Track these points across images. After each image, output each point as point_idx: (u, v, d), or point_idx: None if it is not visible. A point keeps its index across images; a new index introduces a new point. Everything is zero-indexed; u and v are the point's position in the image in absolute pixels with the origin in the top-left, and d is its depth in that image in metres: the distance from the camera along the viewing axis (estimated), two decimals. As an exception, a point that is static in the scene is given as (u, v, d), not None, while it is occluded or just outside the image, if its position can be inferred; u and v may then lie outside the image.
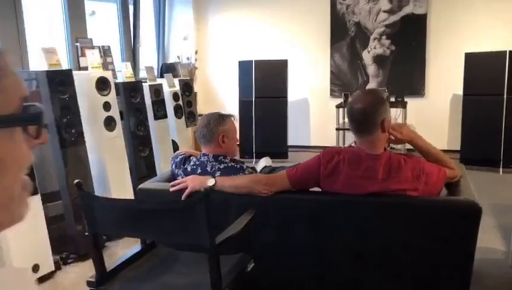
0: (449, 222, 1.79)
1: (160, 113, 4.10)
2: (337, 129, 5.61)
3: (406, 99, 5.66)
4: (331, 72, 6.23)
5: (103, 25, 5.83)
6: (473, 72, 4.97)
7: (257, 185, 1.99)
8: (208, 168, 2.19)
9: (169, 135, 4.24)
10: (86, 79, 3.25)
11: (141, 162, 3.81)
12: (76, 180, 1.61)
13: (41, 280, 2.79)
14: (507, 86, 4.80)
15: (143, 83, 3.93)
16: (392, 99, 5.50)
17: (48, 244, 2.79)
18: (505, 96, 4.82)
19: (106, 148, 3.36)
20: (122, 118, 3.81)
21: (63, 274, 2.91)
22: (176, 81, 4.59)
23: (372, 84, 6.03)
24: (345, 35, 6.08)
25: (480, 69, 4.95)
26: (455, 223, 1.78)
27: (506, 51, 4.78)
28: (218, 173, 2.16)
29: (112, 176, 3.40)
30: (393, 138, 2.00)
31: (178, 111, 4.44)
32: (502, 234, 3.23)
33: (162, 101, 4.14)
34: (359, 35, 6.02)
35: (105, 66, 4.76)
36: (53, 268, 2.84)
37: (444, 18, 5.67)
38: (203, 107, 6.74)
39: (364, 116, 1.89)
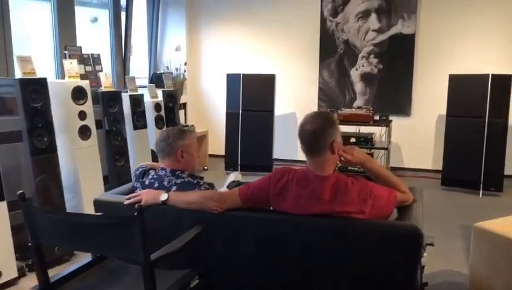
0: (390, 246, 1.81)
1: (139, 123, 4.13)
2: (321, 145, 5.63)
3: (391, 118, 5.69)
4: (319, 88, 6.27)
5: (106, 31, 5.88)
6: (457, 94, 5.01)
7: (208, 201, 2.01)
8: (165, 183, 2.21)
9: (148, 145, 4.27)
10: (62, 88, 3.29)
11: (117, 172, 3.83)
12: (20, 191, 1.63)
13: (5, 286, 2.80)
14: (489, 109, 4.82)
15: (123, 93, 3.97)
16: (377, 117, 5.53)
17: (11, 250, 2.81)
18: (487, 119, 4.84)
19: (80, 157, 3.39)
20: (101, 127, 3.86)
21: (27, 281, 2.92)
22: (160, 92, 4.62)
23: (358, 102, 6.07)
24: (334, 52, 6.13)
25: (464, 91, 4.98)
26: (396, 248, 1.80)
27: (488, 75, 4.82)
28: (174, 188, 2.19)
29: (85, 185, 3.42)
30: (344, 159, 2.01)
31: (159, 122, 4.47)
32: (468, 258, 3.22)
33: (143, 112, 4.18)
34: (348, 53, 6.07)
35: (94, 74, 4.82)
36: (17, 274, 2.85)
37: (431, 39, 5.73)
38: (192, 118, 6.80)
39: (313, 137, 1.91)
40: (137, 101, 4.09)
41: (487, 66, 5.26)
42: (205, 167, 6.11)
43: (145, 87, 4.64)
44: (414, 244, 1.78)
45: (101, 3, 5.89)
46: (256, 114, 5.75)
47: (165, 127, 4.56)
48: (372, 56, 5.97)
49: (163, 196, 2.07)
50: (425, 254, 2.60)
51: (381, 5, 5.82)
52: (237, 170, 5.77)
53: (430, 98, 5.77)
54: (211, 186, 2.25)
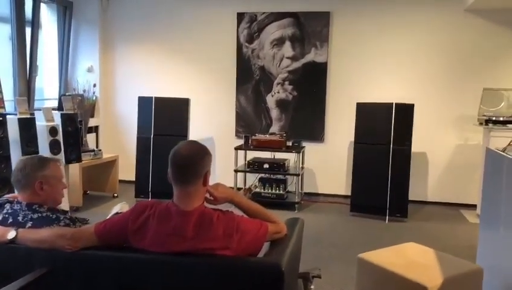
0: (252, 284, 1.71)
1: (30, 148, 3.84)
2: (235, 171, 5.56)
3: (304, 144, 5.75)
4: (237, 113, 6.24)
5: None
6: (364, 122, 5.15)
7: (60, 239, 1.82)
8: (20, 218, 1.99)
9: (40, 173, 3.96)
10: None
11: (0, 202, 3.50)
12: None
13: None
14: (393, 136, 4.98)
15: (7, 116, 3.68)
16: (289, 143, 5.55)
17: None
18: (391, 146, 4.99)
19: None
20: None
21: None
22: (58, 114, 4.36)
23: (274, 128, 6.09)
24: (250, 78, 6.14)
25: (370, 119, 5.13)
26: (258, 285, 1.71)
27: (392, 103, 4.99)
28: (29, 224, 1.97)
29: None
30: (210, 197, 1.92)
31: (55, 147, 4.19)
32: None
33: (34, 136, 3.89)
34: (264, 79, 6.11)
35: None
36: None
37: (342, 68, 5.90)
38: (103, 142, 6.50)
39: (189, 163, 1.81)
40: (26, 125, 3.80)
41: (390, 95, 5.47)
42: (115, 194, 5.82)
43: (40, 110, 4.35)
44: (275, 281, 1.69)
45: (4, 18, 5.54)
46: (169, 139, 5.55)
47: (62, 152, 4.28)
48: (287, 83, 6.04)
49: (11, 234, 1.86)
50: (312, 287, 2.55)
51: (295, 33, 5.93)
52: (148, 197, 5.55)
53: (342, 125, 5.90)
54: (72, 221, 2.06)
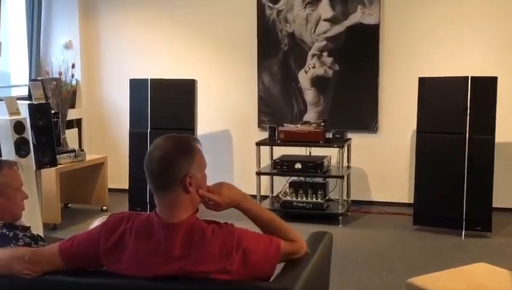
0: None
1: (-11, 150, 4.04)
2: (258, 173, 5.65)
3: (351, 136, 5.78)
4: (260, 97, 6.32)
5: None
6: (429, 103, 5.12)
7: (17, 262, 1.94)
8: (-31, 237, 2.15)
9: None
10: None
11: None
12: None
13: None
14: (469, 122, 4.93)
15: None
16: (330, 135, 5.58)
17: None
18: (467, 135, 4.94)
19: None
20: None
21: None
22: (25, 105, 4.56)
23: (310, 115, 6.14)
24: (276, 49, 6.21)
25: (438, 98, 5.10)
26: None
27: (468, 77, 4.94)
28: (-19, 244, 2.13)
29: None
30: (211, 202, 1.99)
31: (22, 147, 4.37)
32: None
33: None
34: (294, 50, 6.17)
35: None
36: None
37: (399, 32, 5.90)
38: (88, 139, 6.73)
39: (160, 166, 1.89)
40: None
41: (467, 66, 5.42)
42: (104, 207, 6.02)
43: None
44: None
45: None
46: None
47: (31, 154, 4.47)
48: (325, 54, 6.08)
49: (-44, 257, 2.01)
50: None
51: (335, -14, 5.97)
52: (146, 209, 5.70)
53: (403, 109, 5.87)
54: (34, 240, 2.20)
